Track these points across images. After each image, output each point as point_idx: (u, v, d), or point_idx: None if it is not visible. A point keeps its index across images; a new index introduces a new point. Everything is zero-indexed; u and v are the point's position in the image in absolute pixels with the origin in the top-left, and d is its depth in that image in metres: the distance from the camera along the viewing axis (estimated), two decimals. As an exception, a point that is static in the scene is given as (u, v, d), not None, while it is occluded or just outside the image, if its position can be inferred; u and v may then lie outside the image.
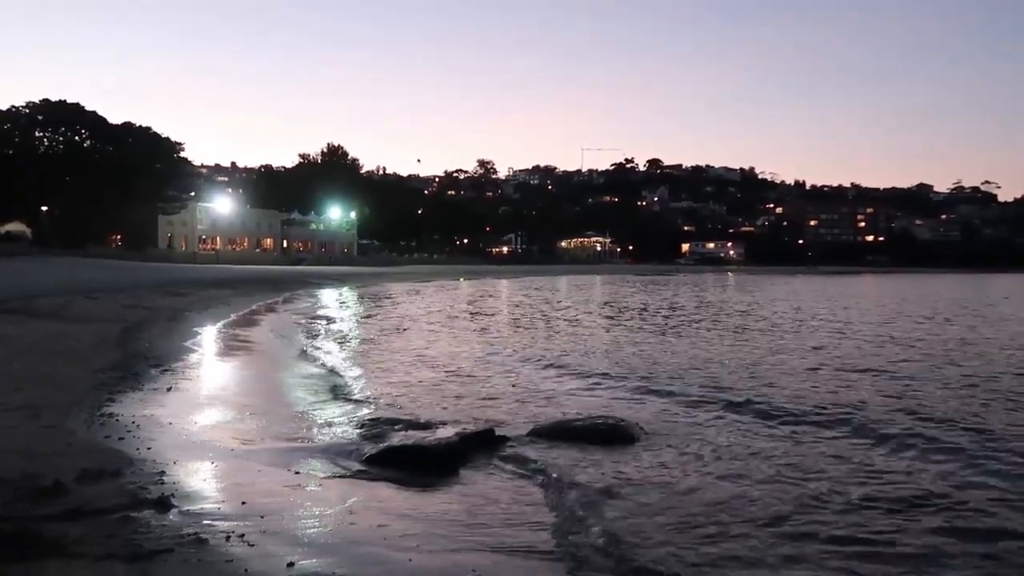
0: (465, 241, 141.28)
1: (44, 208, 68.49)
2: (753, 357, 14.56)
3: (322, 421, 8.19)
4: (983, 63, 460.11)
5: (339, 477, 6.15)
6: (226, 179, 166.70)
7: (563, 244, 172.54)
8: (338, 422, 8.15)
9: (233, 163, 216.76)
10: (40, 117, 72.04)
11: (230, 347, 15.15)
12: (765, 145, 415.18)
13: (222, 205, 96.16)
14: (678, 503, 5.63)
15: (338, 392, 10.07)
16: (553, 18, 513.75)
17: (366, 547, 4.64)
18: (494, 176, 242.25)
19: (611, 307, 32.11)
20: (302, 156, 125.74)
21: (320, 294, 38.50)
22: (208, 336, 16.55)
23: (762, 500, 5.69)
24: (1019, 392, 10.52)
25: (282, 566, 4.23)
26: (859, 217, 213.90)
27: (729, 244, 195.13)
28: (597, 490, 5.89)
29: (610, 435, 7.56)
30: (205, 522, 4.80)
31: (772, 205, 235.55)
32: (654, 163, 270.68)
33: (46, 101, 72.69)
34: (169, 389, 9.52)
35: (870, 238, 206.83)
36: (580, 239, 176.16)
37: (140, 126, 79.05)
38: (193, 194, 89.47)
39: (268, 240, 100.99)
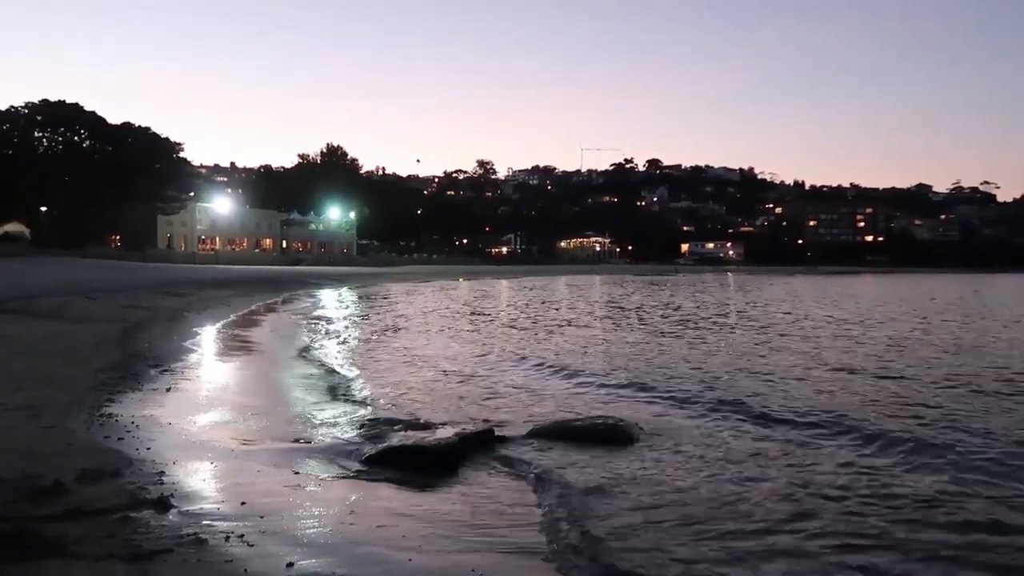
0: (464, 241, 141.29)
1: (43, 208, 68.49)
2: (754, 358, 14.56)
3: (321, 421, 8.19)
4: (983, 63, 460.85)
5: (339, 477, 6.16)
6: (226, 179, 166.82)
7: (562, 244, 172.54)
8: (338, 422, 8.15)
9: (233, 163, 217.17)
10: (39, 117, 72.05)
11: (230, 347, 15.15)
12: (764, 145, 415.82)
13: (221, 205, 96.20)
14: (674, 504, 5.63)
15: (337, 392, 10.08)
16: (553, 18, 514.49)
17: (366, 547, 4.64)
18: (493, 176, 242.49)
19: (610, 307, 32.12)
20: (301, 156, 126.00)
21: (319, 294, 38.50)
22: (207, 336, 16.55)
23: (760, 501, 5.69)
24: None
25: (282, 566, 4.23)
26: (858, 217, 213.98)
27: (728, 244, 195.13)
28: (595, 491, 5.89)
29: (609, 435, 7.56)
30: (205, 522, 4.80)
31: (771, 205, 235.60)
32: (653, 163, 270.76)
33: (45, 101, 72.71)
34: (169, 389, 9.53)
35: (869, 238, 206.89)
36: (579, 239, 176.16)
37: (140, 126, 79.16)
38: (192, 194, 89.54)
39: (267, 240, 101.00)
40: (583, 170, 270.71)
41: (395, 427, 7.80)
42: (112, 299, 22.21)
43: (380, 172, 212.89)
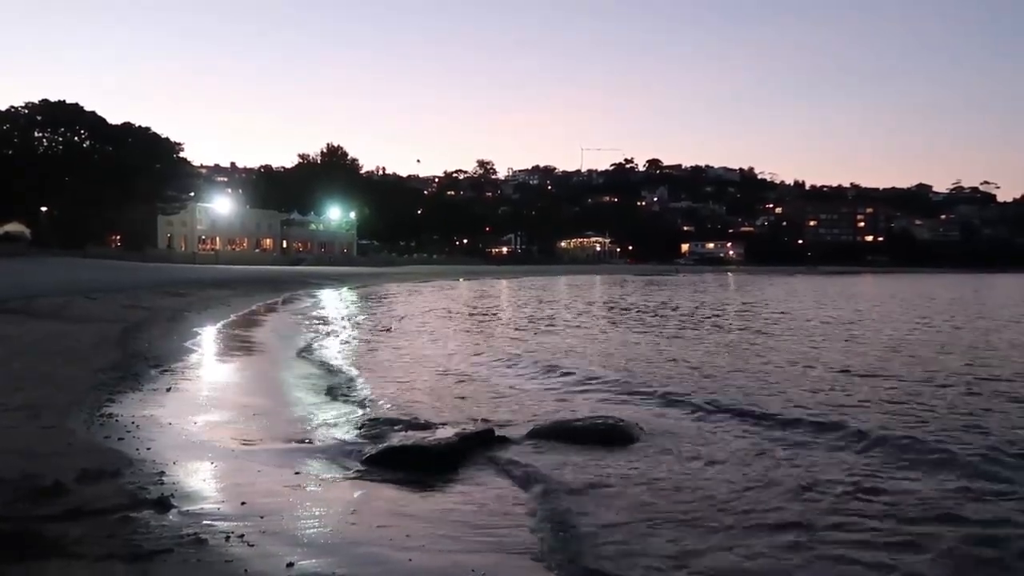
0: (465, 241, 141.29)
1: (43, 208, 68.51)
2: (755, 358, 14.56)
3: (322, 421, 8.19)
4: (983, 63, 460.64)
5: (339, 477, 6.15)
6: (226, 179, 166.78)
7: (562, 244, 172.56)
8: (338, 422, 8.15)
9: (233, 163, 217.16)
10: (40, 117, 72.08)
11: (230, 347, 15.15)
12: (765, 145, 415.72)
13: (222, 205, 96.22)
14: (671, 505, 5.61)
15: (338, 392, 10.07)
16: (553, 18, 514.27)
17: (366, 547, 4.64)
18: (494, 176, 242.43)
19: (610, 308, 32.12)
20: (302, 156, 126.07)
21: (320, 294, 38.50)
22: (208, 336, 16.55)
23: (758, 502, 5.68)
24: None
25: (282, 566, 4.23)
26: (859, 217, 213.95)
27: (729, 244, 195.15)
28: (592, 492, 5.88)
29: (609, 435, 7.55)
30: (205, 522, 4.80)
31: (772, 205, 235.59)
32: (654, 163, 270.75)
33: (46, 101, 72.73)
34: (169, 389, 9.53)
35: (870, 238, 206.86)
36: (579, 239, 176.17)
37: (140, 126, 79.20)
38: (193, 194, 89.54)
39: (268, 240, 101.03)
40: (583, 170, 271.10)
41: (395, 427, 7.79)
42: (112, 299, 22.21)
43: (380, 172, 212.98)
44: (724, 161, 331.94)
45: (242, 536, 4.60)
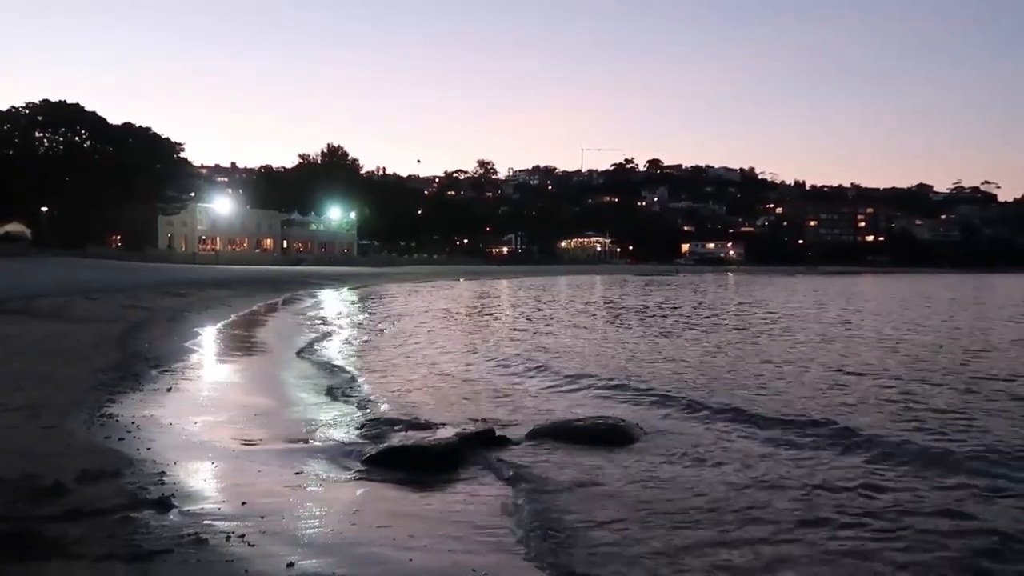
0: (465, 241, 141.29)
1: (44, 208, 68.52)
2: (755, 359, 14.55)
3: (322, 421, 8.18)
4: (983, 63, 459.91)
5: (340, 478, 6.15)
6: (226, 179, 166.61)
7: (563, 244, 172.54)
8: (338, 422, 8.15)
9: (233, 163, 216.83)
10: (40, 117, 72.08)
11: (230, 347, 15.16)
12: (765, 145, 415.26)
13: (222, 206, 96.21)
14: (672, 506, 5.61)
15: (338, 392, 10.06)
16: (553, 18, 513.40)
17: (366, 547, 4.64)
18: (494, 176, 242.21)
19: (611, 308, 32.11)
20: (302, 156, 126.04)
21: (320, 294, 38.52)
22: (208, 336, 16.55)
23: (756, 503, 5.68)
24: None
25: (282, 566, 4.23)
26: (859, 217, 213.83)
27: (729, 244, 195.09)
28: (593, 492, 5.88)
29: (610, 435, 7.55)
30: (205, 522, 4.80)
31: (772, 205, 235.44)
32: (654, 163, 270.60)
33: (46, 101, 72.73)
34: (169, 389, 9.53)
35: (870, 238, 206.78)
36: (580, 239, 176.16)
37: (140, 126, 79.17)
38: (193, 194, 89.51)
39: (268, 241, 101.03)
40: (583, 170, 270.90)
41: (395, 427, 7.80)
42: (112, 299, 22.21)
43: (380, 172, 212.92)
44: (724, 161, 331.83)
45: (243, 536, 4.60)
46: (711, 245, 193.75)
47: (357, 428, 7.85)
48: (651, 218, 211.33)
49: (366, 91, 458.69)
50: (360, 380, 11.19)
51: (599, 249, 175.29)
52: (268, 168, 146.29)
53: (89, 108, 74.88)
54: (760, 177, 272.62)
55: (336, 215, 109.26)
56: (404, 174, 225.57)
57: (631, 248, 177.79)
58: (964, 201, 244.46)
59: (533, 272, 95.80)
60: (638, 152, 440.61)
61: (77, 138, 73.97)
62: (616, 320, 24.91)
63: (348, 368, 12.49)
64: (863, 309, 31.67)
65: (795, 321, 24.37)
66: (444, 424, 7.96)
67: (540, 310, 29.75)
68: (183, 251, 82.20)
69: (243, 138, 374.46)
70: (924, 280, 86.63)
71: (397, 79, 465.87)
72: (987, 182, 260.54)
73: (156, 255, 70.41)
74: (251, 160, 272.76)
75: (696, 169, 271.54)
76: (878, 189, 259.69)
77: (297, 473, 6.15)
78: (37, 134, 72.87)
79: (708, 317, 26.19)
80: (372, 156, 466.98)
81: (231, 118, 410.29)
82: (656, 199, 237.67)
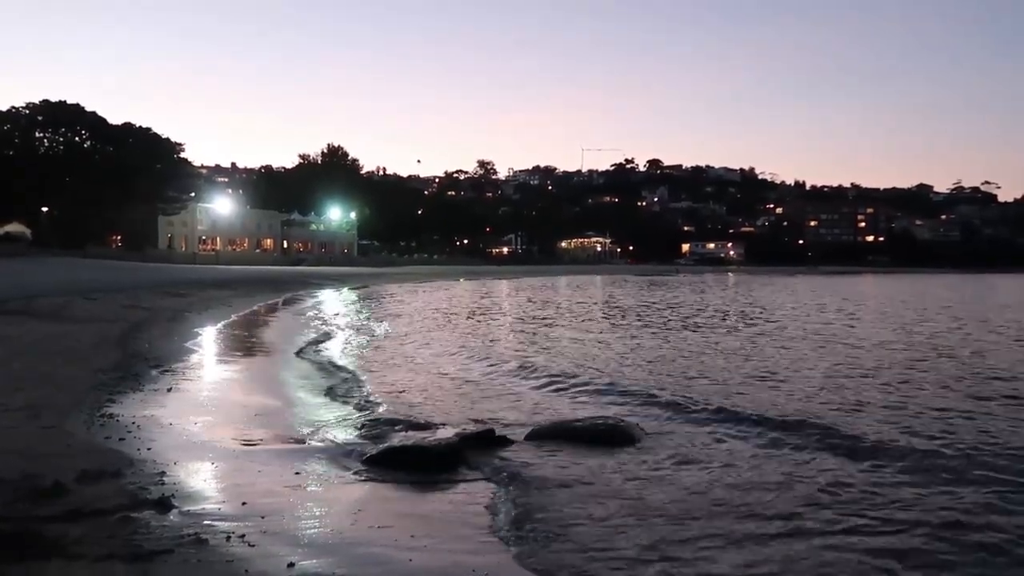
0: (465, 241, 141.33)
1: (44, 209, 68.58)
2: (755, 359, 14.55)
3: (322, 421, 8.18)
4: (983, 63, 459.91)
5: (340, 478, 6.14)
6: (226, 179, 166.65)
7: (563, 244, 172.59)
8: (338, 422, 8.15)
9: (233, 163, 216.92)
10: (40, 118, 72.14)
11: (230, 348, 15.16)
12: (765, 145, 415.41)
13: (222, 206, 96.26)
14: (672, 506, 5.60)
15: (338, 392, 10.07)
16: (553, 18, 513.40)
17: (367, 547, 4.64)
18: (494, 176, 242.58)
19: (611, 308, 32.11)
20: (302, 156, 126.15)
21: (320, 295, 38.52)
22: (208, 337, 16.55)
23: (754, 504, 5.67)
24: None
25: (282, 566, 4.23)
26: (859, 217, 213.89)
27: (729, 244, 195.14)
28: (592, 492, 5.88)
29: (610, 436, 7.54)
30: (205, 522, 4.80)
31: (772, 205, 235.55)
32: (654, 163, 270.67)
33: (46, 102, 72.79)
34: (169, 390, 9.53)
35: (870, 238, 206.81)
36: (580, 239, 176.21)
37: (140, 126, 79.26)
38: (193, 195, 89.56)
39: (268, 241, 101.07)
40: (583, 170, 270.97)
41: (396, 427, 7.80)
42: (112, 299, 22.21)
43: (381, 172, 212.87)
44: (724, 161, 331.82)
45: (243, 536, 4.60)
46: (711, 245, 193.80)
47: (357, 428, 7.85)
48: (651, 218, 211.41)
49: (366, 91, 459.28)
50: (360, 380, 11.19)
51: (599, 249, 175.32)
52: (268, 168, 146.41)
53: (89, 108, 75.12)
54: (760, 177, 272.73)
55: (336, 215, 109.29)
56: (404, 174, 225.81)
57: (631, 248, 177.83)
58: (964, 201, 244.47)
59: (533, 272, 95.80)
60: (638, 152, 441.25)
61: (77, 138, 74.03)
62: (616, 320, 24.91)
63: (348, 368, 12.48)
64: (863, 309, 31.67)
65: (795, 322, 24.36)
66: (444, 424, 7.96)
67: (540, 310, 29.74)
68: (183, 251, 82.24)
69: (243, 138, 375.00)
70: (924, 280, 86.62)
71: (397, 79, 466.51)
72: (987, 182, 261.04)
73: (156, 255, 70.43)
74: (251, 160, 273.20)
75: (696, 169, 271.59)
76: (878, 189, 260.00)
77: (297, 473, 6.14)
78: (37, 134, 72.92)
79: (708, 317, 26.18)
80: (372, 156, 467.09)
81: (231, 118, 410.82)
82: (656, 199, 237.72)
